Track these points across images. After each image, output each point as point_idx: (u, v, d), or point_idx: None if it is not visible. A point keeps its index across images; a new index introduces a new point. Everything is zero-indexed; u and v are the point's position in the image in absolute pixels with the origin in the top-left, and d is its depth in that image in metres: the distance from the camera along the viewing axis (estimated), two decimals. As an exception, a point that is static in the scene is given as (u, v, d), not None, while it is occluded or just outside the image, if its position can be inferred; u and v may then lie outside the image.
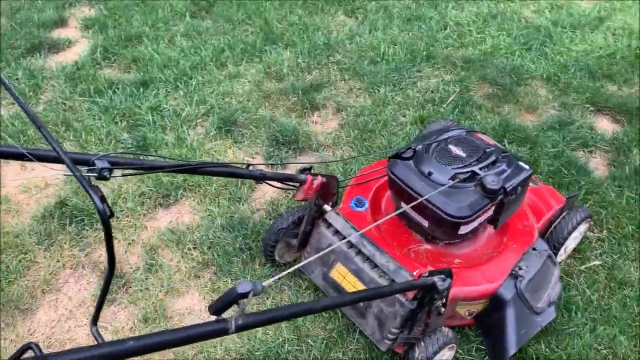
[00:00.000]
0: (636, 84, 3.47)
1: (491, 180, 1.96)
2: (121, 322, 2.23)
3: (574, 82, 3.42)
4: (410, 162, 2.10)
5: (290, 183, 2.07)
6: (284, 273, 1.17)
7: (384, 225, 2.32)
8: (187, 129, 3.07)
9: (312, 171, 2.12)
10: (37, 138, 3.00)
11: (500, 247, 2.26)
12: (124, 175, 1.45)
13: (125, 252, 2.49)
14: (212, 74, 3.47)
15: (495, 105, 3.26)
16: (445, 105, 3.23)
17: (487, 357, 2.12)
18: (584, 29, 3.96)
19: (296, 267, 1.22)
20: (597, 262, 2.44)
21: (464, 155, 2.09)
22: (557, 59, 3.64)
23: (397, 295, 2.02)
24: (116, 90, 3.30)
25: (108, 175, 1.35)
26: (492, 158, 2.09)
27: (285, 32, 3.84)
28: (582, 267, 2.43)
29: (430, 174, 2.03)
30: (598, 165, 2.94)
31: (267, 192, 2.74)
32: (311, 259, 1.49)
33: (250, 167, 1.88)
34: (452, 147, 2.12)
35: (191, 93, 3.29)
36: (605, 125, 3.18)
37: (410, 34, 3.88)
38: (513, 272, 2.11)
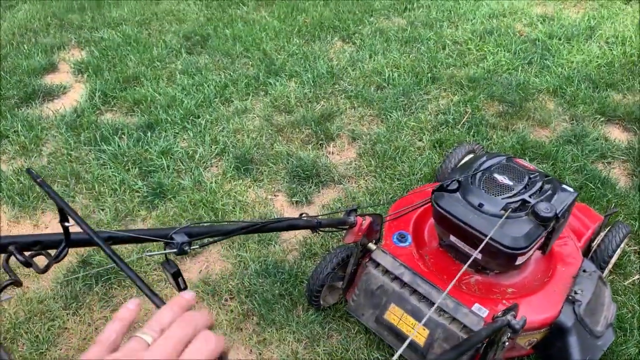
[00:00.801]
0: (638, 92, 3.53)
1: (544, 208, 1.92)
2: (167, 386, 2.10)
3: (579, 93, 3.46)
4: (457, 194, 2.06)
5: (342, 227, 2.00)
6: (403, 348, 1.10)
7: (431, 259, 2.27)
8: (202, 170, 2.97)
9: (357, 212, 2.06)
10: (46, 195, 2.85)
11: (549, 272, 2.22)
12: (201, 245, 1.36)
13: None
14: (218, 111, 3.38)
15: (508, 123, 3.27)
16: (459, 126, 3.21)
17: (552, 388, 2.07)
18: (577, 39, 4.03)
19: (407, 340, 1.15)
20: (639, 276, 2.44)
21: (510, 183, 2.06)
22: (559, 71, 3.68)
23: (460, 334, 1.97)
24: (122, 135, 3.19)
25: (188, 249, 1.27)
26: (539, 184, 2.06)
27: (286, 63, 3.79)
28: (626, 283, 2.42)
29: (480, 205, 1.98)
30: (619, 176, 2.96)
31: (298, 233, 2.66)
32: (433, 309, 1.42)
33: (303, 216, 1.81)
34: (497, 176, 2.09)
35: (201, 133, 3.20)
36: (618, 135, 3.21)
37: (411, 56, 3.88)
38: (570, 297, 2.07)
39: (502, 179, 2.08)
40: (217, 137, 3.17)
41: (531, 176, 2.10)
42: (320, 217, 1.87)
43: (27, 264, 1.02)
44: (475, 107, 3.35)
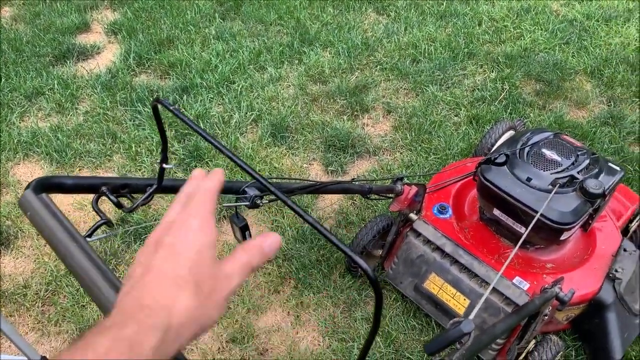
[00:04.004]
0: (677, 76, 3.49)
1: (594, 185, 1.92)
2: (207, 343, 2.15)
3: (617, 76, 3.42)
4: (505, 167, 2.06)
5: (389, 195, 2.01)
6: (478, 307, 1.11)
7: (471, 232, 2.28)
8: (239, 136, 2.98)
9: (403, 181, 2.07)
10: (83, 152, 2.88)
11: (589, 250, 2.23)
12: (270, 201, 1.38)
13: (198, 268, 2.40)
14: (253, 78, 3.37)
15: (545, 102, 3.24)
16: (496, 103, 3.19)
17: (588, 363, 2.09)
18: (616, 21, 3.96)
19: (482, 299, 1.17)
20: (675, 260, 2.44)
21: (559, 159, 2.05)
22: (596, 52, 3.63)
23: (502, 306, 1.99)
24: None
25: (260, 203, 1.28)
26: (587, 161, 2.05)
27: (321, 32, 3.75)
28: (662, 265, 2.42)
29: (529, 179, 1.98)
30: (656, 160, 2.94)
31: (334, 202, 2.67)
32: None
33: (355, 182, 1.83)
34: (545, 151, 2.08)
35: (237, 99, 3.19)
36: (656, 120, 3.18)
37: (447, 30, 3.84)
38: (610, 274, 2.08)
39: (550, 154, 2.07)
40: (253, 104, 3.16)
41: (579, 153, 2.09)
42: (370, 183, 1.89)
43: (119, 204, 1.03)
44: (512, 84, 3.32)
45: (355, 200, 2.67)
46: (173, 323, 0.49)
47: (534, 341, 2.02)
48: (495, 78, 3.39)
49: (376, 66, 3.51)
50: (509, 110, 3.13)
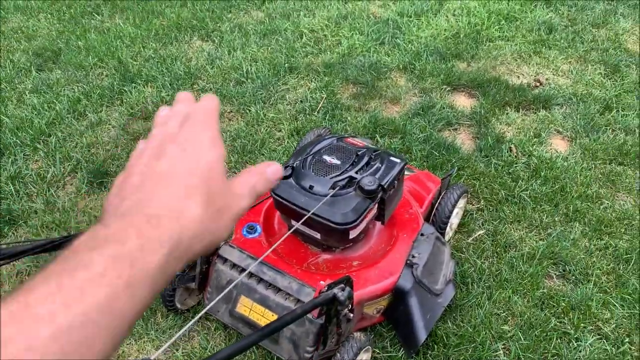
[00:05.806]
0: (482, 58, 3.77)
1: (368, 182, 2.02)
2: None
3: (427, 67, 3.64)
4: (291, 180, 2.12)
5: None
6: (176, 337, 1.13)
7: (281, 246, 2.32)
8: (55, 191, 2.87)
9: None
10: None
11: (392, 241, 2.34)
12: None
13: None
14: (71, 127, 3.27)
15: (361, 104, 3.38)
16: (316, 113, 3.29)
17: (402, 349, 2.19)
18: (427, 15, 4.23)
19: (198, 316, 1.17)
20: (481, 232, 2.62)
21: (338, 162, 2.14)
22: (409, 48, 3.85)
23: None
24: (-34, 166, 3.01)
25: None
26: (365, 159, 2.15)
27: (142, 68, 3.71)
28: (469, 240, 2.59)
29: (311, 187, 2.05)
30: (464, 140, 3.15)
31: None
32: (213, 303, 1.44)
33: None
34: (326, 157, 2.16)
35: (53, 152, 3.08)
36: (463, 102, 3.41)
37: (269, 48, 3.92)
38: (408, 261, 2.19)
39: (330, 159, 2.16)
40: (70, 154, 3.06)
41: (359, 153, 2.19)
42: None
43: None
44: (330, 92, 3.44)
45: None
46: (184, 237, 0.45)
47: (344, 342, 2.08)
48: (315, 88, 3.50)
49: (200, 93, 3.51)
50: (327, 118, 3.24)
